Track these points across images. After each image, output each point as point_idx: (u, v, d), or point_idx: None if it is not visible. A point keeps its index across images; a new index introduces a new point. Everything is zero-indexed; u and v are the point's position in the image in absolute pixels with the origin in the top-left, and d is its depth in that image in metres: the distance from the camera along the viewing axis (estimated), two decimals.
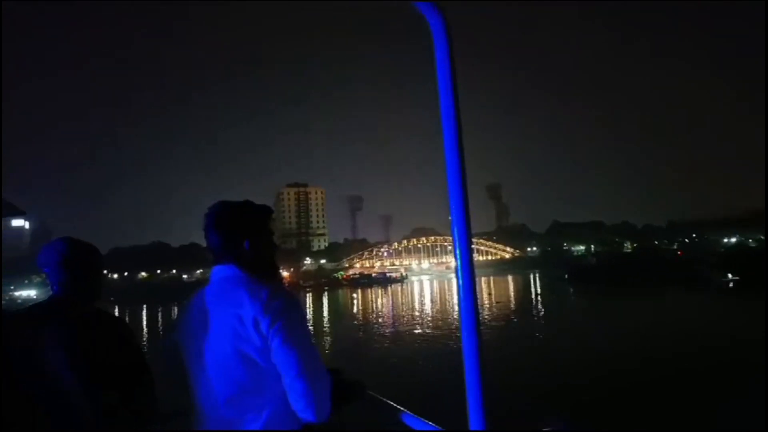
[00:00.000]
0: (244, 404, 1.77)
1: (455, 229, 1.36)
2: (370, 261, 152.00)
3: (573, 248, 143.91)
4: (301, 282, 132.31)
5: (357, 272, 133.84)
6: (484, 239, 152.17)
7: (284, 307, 1.76)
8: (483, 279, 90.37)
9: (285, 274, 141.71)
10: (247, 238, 1.91)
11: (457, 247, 1.37)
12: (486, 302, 42.31)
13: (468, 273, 1.34)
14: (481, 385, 1.33)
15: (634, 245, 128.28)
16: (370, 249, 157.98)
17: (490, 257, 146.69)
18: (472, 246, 1.43)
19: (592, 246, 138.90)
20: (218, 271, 1.91)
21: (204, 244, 1.92)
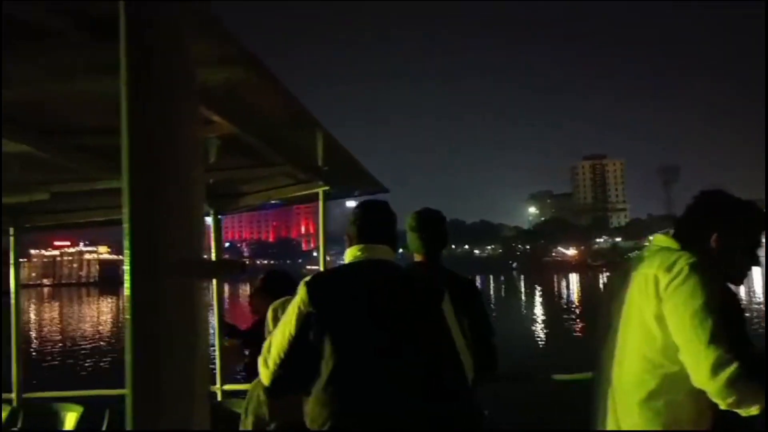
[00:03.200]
0: (649, 373, 1.67)
1: None
2: None
3: None
4: (590, 261, 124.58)
5: None
6: None
7: (690, 272, 1.63)
8: None
9: (573, 252, 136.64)
10: (716, 232, 1.81)
11: None
12: None
13: None
14: None
15: None
16: None
17: None
18: None
19: None
20: (656, 240, 1.91)
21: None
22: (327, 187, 3.66)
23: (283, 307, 2.52)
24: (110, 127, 2.56)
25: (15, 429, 4.16)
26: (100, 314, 46.49)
